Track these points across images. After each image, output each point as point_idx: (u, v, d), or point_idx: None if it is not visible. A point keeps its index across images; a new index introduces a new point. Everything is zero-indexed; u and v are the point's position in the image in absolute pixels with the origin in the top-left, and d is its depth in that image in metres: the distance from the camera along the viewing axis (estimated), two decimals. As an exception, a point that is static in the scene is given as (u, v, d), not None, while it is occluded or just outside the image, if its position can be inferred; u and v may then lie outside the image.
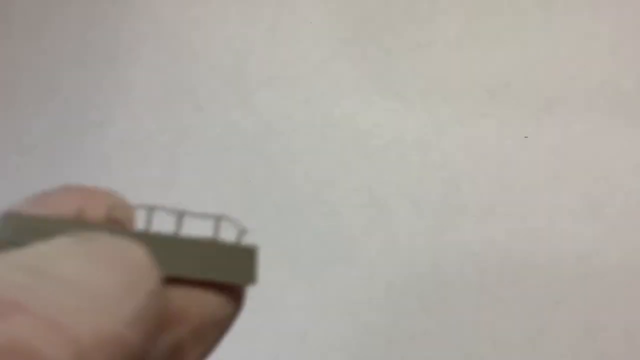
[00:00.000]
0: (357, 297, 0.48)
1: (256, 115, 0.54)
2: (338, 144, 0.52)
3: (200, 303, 0.15)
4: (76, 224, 0.14)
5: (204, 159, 0.53)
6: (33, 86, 0.57)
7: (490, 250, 0.48)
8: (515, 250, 0.48)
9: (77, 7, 0.58)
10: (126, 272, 0.13)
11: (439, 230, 0.49)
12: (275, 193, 0.52)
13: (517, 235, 0.49)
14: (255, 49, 0.56)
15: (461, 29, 0.54)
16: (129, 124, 0.55)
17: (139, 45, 0.57)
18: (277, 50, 0.55)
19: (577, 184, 0.49)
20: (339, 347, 0.48)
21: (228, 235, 0.16)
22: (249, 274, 0.16)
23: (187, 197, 0.52)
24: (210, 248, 0.16)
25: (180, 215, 0.16)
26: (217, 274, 0.16)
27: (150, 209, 0.15)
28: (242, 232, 0.16)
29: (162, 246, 0.15)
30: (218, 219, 0.16)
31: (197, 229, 0.16)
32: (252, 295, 0.18)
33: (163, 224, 0.16)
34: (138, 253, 0.14)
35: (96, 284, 0.12)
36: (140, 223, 0.16)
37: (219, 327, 0.16)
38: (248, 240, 0.16)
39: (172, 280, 0.15)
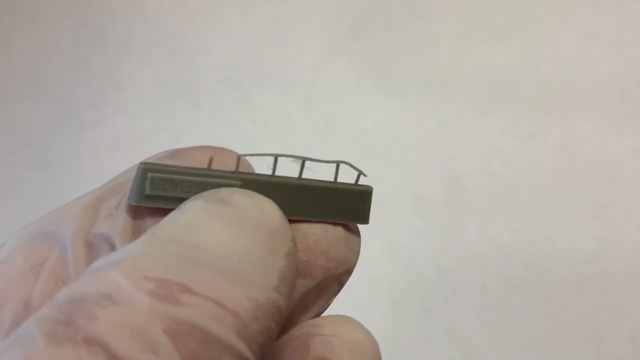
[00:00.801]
0: (359, 299, 0.47)
1: (255, 114, 0.53)
2: (338, 143, 0.51)
3: (325, 258, 0.16)
4: (209, 174, 0.15)
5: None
6: (27, 84, 0.57)
7: (493, 252, 0.48)
8: (519, 251, 0.48)
9: (72, 4, 0.58)
10: (266, 235, 0.14)
11: (442, 231, 0.49)
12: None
13: (521, 236, 0.48)
14: (254, 46, 0.55)
15: (464, 27, 0.53)
16: (125, 123, 0.54)
17: (135, 42, 0.57)
18: (276, 48, 0.55)
19: (582, 184, 0.49)
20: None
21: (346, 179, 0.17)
22: (364, 215, 0.17)
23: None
24: (331, 191, 0.17)
25: (302, 161, 0.16)
26: (336, 216, 0.17)
27: (275, 157, 0.16)
28: (360, 175, 0.17)
29: (287, 190, 0.16)
30: (337, 164, 0.17)
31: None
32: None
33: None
34: (273, 214, 0.14)
35: (243, 253, 0.13)
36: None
37: (339, 282, 0.17)
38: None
39: (293, 222, 0.16)
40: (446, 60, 0.53)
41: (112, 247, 0.15)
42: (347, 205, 0.17)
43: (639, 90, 0.50)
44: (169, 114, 0.54)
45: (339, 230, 0.17)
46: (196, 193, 0.15)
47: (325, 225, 0.17)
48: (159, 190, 0.15)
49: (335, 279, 0.17)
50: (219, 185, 0.15)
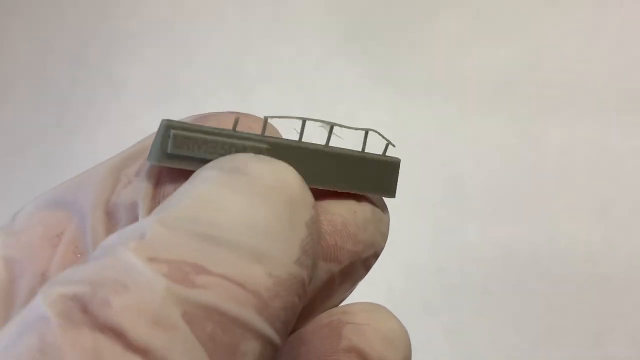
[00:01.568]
0: (358, 299, 0.47)
1: (255, 114, 0.53)
2: (338, 143, 0.51)
3: (352, 241, 0.16)
4: (235, 136, 0.14)
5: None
6: (26, 84, 0.56)
7: (493, 252, 0.48)
8: (520, 251, 0.48)
9: (71, 3, 0.58)
10: (285, 204, 0.13)
11: (442, 231, 0.49)
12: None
13: (521, 236, 0.48)
14: (254, 46, 0.55)
15: (465, 26, 0.53)
16: (124, 123, 0.54)
17: (135, 42, 0.56)
18: (276, 48, 0.55)
19: (582, 184, 0.48)
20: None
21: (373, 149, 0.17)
22: (390, 187, 0.17)
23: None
24: (358, 160, 0.16)
25: (330, 127, 0.16)
26: (363, 186, 0.16)
27: (303, 120, 0.15)
28: (388, 145, 0.17)
29: (314, 156, 0.15)
30: (366, 132, 0.16)
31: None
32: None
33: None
34: (291, 180, 0.13)
35: (261, 226, 0.12)
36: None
37: (365, 266, 0.17)
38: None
39: (319, 194, 0.15)
40: (446, 60, 0.53)
41: (132, 216, 0.15)
42: (374, 176, 0.16)
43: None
44: (169, 114, 0.54)
45: (367, 210, 0.16)
46: (221, 155, 0.14)
47: (353, 205, 0.16)
48: (182, 150, 0.14)
49: (361, 263, 0.16)
50: (244, 148, 0.14)
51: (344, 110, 0.52)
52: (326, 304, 0.16)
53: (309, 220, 0.13)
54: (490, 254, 0.48)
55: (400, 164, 0.17)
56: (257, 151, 0.15)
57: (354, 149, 0.16)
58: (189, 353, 0.11)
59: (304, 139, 0.16)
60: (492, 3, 0.53)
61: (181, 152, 0.14)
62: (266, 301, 0.12)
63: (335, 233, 0.16)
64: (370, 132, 0.17)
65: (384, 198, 0.17)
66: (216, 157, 0.14)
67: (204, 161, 0.14)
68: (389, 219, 0.17)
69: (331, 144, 0.16)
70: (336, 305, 0.17)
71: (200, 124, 0.15)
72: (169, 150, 0.14)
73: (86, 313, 0.11)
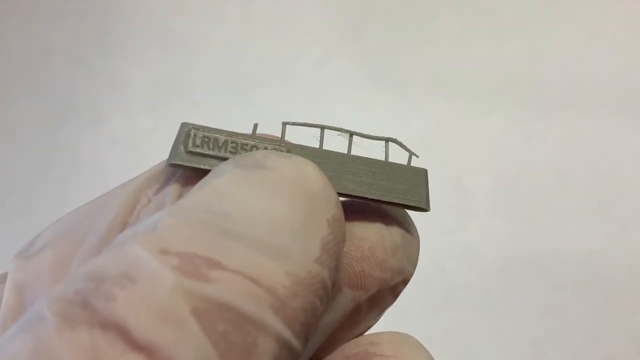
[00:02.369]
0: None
1: (255, 114, 0.53)
2: (339, 142, 0.51)
3: (380, 268, 0.15)
4: (256, 138, 0.14)
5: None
6: (26, 84, 0.56)
7: (494, 252, 0.48)
8: (520, 251, 0.48)
9: (72, 3, 0.58)
10: (305, 200, 0.12)
11: (442, 231, 0.49)
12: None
13: (521, 236, 0.48)
14: (254, 45, 0.55)
15: (466, 25, 0.53)
16: (124, 123, 0.54)
17: (134, 41, 0.56)
18: (276, 47, 0.55)
19: (584, 183, 0.48)
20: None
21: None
22: (421, 197, 0.16)
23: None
24: (384, 167, 0.15)
25: (350, 135, 0.15)
26: (392, 195, 0.15)
27: (322, 128, 0.15)
28: (412, 156, 0.16)
29: (337, 162, 0.15)
30: (386, 141, 0.16)
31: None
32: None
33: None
34: (313, 175, 0.13)
35: (279, 221, 0.11)
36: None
37: (394, 293, 0.16)
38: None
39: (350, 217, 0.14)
40: (447, 60, 0.53)
41: None
42: (402, 185, 0.15)
43: (640, 90, 0.50)
44: (169, 114, 0.54)
45: (396, 235, 0.15)
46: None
47: (382, 229, 0.15)
48: (203, 148, 0.14)
49: (390, 290, 0.15)
50: (265, 149, 0.14)
51: (344, 111, 0.52)
52: (353, 332, 0.16)
53: (331, 218, 0.12)
54: (490, 254, 0.48)
55: (428, 174, 0.16)
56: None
57: (377, 159, 0.15)
58: (198, 352, 0.10)
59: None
60: (493, 3, 0.53)
61: (202, 151, 0.14)
62: (283, 300, 0.11)
63: (363, 259, 0.15)
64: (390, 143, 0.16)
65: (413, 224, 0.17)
66: None
67: (225, 160, 0.14)
68: (419, 244, 0.17)
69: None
70: (362, 333, 0.16)
71: None
72: (189, 149, 0.14)
73: (86, 309, 0.10)
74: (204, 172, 0.14)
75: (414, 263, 0.16)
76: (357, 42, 0.54)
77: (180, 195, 0.14)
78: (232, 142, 0.14)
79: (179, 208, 0.12)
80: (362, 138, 0.16)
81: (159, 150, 0.55)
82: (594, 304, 0.46)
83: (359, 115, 0.52)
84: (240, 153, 0.14)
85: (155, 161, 0.16)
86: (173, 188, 0.14)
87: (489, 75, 0.52)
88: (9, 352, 0.10)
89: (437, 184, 0.50)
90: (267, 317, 0.11)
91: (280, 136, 0.15)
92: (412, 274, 0.16)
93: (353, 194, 0.15)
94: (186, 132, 0.14)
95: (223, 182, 0.12)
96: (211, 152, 0.14)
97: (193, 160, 0.14)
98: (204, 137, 0.14)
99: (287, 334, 0.11)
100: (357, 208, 0.16)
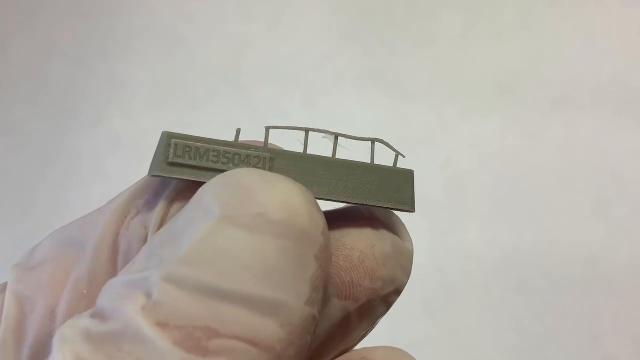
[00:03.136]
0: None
1: (255, 114, 0.53)
2: (338, 142, 0.51)
3: (370, 278, 0.15)
4: (238, 145, 0.14)
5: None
6: (26, 84, 0.56)
7: (494, 252, 0.48)
8: (520, 251, 0.48)
9: (72, 3, 0.58)
10: (295, 240, 0.12)
11: (442, 231, 0.49)
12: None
13: (522, 236, 0.48)
14: (254, 45, 0.55)
15: (465, 25, 0.53)
16: (124, 123, 0.54)
17: (133, 41, 0.56)
18: (276, 47, 0.55)
19: (584, 184, 0.48)
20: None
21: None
22: (407, 199, 0.15)
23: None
24: (368, 170, 0.15)
25: (335, 137, 0.15)
26: (376, 198, 0.15)
27: (307, 131, 0.15)
28: (398, 156, 0.16)
29: (321, 167, 0.15)
30: (373, 142, 0.15)
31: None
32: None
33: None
34: (299, 205, 0.12)
35: (271, 270, 0.12)
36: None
37: (386, 303, 0.16)
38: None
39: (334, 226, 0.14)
40: (446, 60, 0.53)
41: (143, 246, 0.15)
42: (387, 187, 0.15)
43: (640, 90, 0.50)
44: (169, 114, 0.54)
45: (387, 244, 0.15)
46: (223, 163, 0.14)
47: (372, 237, 0.15)
48: (184, 159, 0.14)
49: (381, 300, 0.15)
50: (248, 157, 0.14)
51: (344, 111, 0.52)
52: (344, 343, 0.16)
53: (319, 252, 0.12)
54: (490, 254, 0.48)
55: (414, 175, 0.16)
56: (261, 160, 0.14)
57: (361, 162, 0.15)
58: None
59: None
60: (493, 3, 0.53)
61: (183, 161, 0.14)
62: (279, 353, 0.11)
63: (352, 269, 0.15)
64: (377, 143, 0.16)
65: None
66: (219, 166, 0.14)
67: (207, 170, 0.14)
68: (412, 251, 0.16)
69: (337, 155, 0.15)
70: (355, 342, 0.16)
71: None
72: (170, 159, 0.14)
73: None
74: (192, 182, 0.14)
75: (407, 272, 0.16)
76: (357, 42, 0.54)
77: (166, 215, 0.14)
78: (214, 151, 0.14)
79: (173, 270, 0.12)
80: (348, 139, 0.15)
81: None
82: (594, 304, 0.46)
83: (359, 115, 0.52)
84: (222, 162, 0.14)
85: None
86: (160, 208, 0.14)
87: (489, 75, 0.52)
88: None
89: (437, 184, 0.50)
90: None
91: (264, 141, 0.15)
92: (405, 284, 0.16)
93: (338, 199, 0.15)
94: (166, 142, 0.14)
95: (209, 227, 0.12)
96: (192, 162, 0.14)
97: (174, 172, 0.14)
98: (185, 146, 0.14)
99: None
100: (348, 215, 0.16)
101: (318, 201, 0.13)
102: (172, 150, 0.14)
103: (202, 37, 0.56)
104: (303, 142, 0.15)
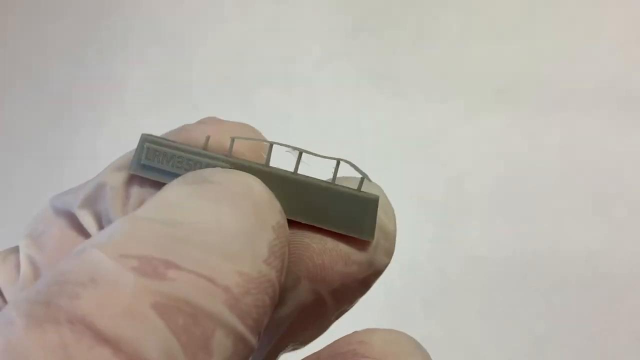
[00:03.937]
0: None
1: (255, 114, 0.53)
2: (339, 143, 0.51)
3: (344, 262, 0.15)
4: (201, 154, 0.15)
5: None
6: (26, 84, 0.56)
7: (494, 252, 0.48)
8: (521, 251, 0.48)
9: (71, 3, 0.58)
10: (250, 209, 0.13)
11: (442, 231, 0.49)
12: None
13: (522, 236, 0.48)
14: (253, 45, 0.55)
15: (465, 26, 0.53)
16: (124, 123, 0.54)
17: (135, 42, 0.56)
18: (277, 48, 0.55)
19: (584, 183, 0.48)
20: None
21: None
22: (365, 228, 0.15)
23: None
24: (328, 192, 0.15)
25: (299, 153, 0.15)
26: (331, 222, 0.15)
27: (270, 145, 0.15)
28: (363, 179, 0.15)
29: (280, 183, 0.15)
30: (338, 162, 0.15)
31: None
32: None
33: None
34: (257, 187, 0.13)
35: (229, 227, 0.12)
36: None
37: (364, 284, 0.16)
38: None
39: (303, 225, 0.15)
40: (446, 60, 0.53)
41: (108, 222, 0.15)
42: (346, 212, 0.15)
43: (640, 90, 0.50)
44: (169, 114, 0.54)
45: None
46: (187, 170, 0.15)
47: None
48: (153, 162, 0.15)
49: (358, 283, 0.15)
50: (208, 165, 0.15)
51: (344, 111, 0.52)
52: (322, 322, 0.16)
53: (276, 225, 0.13)
54: (490, 254, 0.48)
55: (379, 202, 0.15)
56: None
57: (324, 180, 0.15)
58: (162, 344, 0.11)
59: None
60: (493, 3, 0.53)
61: (152, 164, 0.15)
62: (237, 297, 0.12)
63: (324, 252, 0.15)
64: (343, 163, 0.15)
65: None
66: (182, 172, 0.15)
67: (172, 175, 0.15)
68: (395, 231, 0.16)
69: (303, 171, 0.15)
70: (337, 317, 0.16)
71: (176, 136, 0.16)
72: (142, 161, 0.15)
73: (51, 307, 0.11)
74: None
75: (388, 254, 0.16)
76: (357, 42, 0.54)
77: (124, 199, 0.15)
78: (178, 157, 0.15)
79: (135, 217, 0.12)
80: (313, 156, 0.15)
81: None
82: (594, 304, 0.46)
83: (358, 115, 0.52)
84: (185, 168, 0.15)
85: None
86: (119, 193, 0.15)
87: (489, 75, 0.52)
88: None
89: (437, 185, 0.50)
90: (222, 312, 0.11)
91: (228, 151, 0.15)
92: (386, 264, 0.16)
93: (289, 217, 0.15)
94: (141, 145, 0.15)
95: (174, 195, 0.13)
96: (159, 166, 0.15)
97: (145, 172, 0.15)
98: (155, 150, 0.15)
99: (241, 328, 0.12)
100: None
101: None
102: (144, 153, 0.15)
103: (202, 37, 0.56)
104: (295, 155, 0.15)
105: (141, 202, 0.15)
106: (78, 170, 0.54)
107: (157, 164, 0.15)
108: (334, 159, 0.15)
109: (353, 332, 0.16)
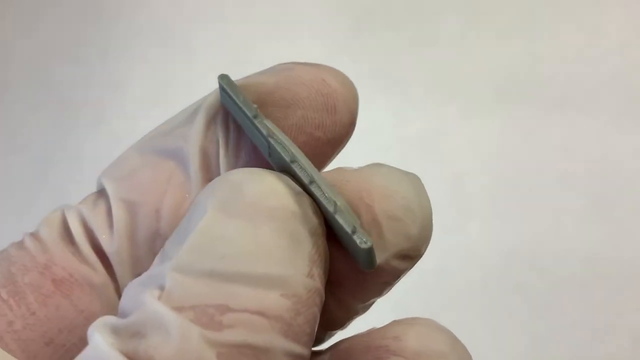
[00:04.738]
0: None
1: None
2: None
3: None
4: (249, 118, 0.16)
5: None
6: (25, 84, 0.56)
7: (494, 252, 0.48)
8: (520, 251, 0.48)
9: (72, 3, 0.58)
10: (286, 221, 0.13)
11: (442, 231, 0.49)
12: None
13: (522, 236, 0.48)
14: (254, 45, 0.55)
15: (466, 25, 0.53)
16: (125, 123, 0.54)
17: (134, 42, 0.56)
18: (276, 47, 0.55)
19: (584, 184, 0.48)
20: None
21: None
22: (364, 264, 0.15)
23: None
24: (331, 217, 0.14)
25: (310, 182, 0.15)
26: (340, 237, 0.15)
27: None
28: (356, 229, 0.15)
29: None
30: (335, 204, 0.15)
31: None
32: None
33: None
34: (285, 194, 0.14)
35: (268, 249, 0.13)
36: None
37: (384, 279, 0.17)
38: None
39: None
40: (447, 60, 0.53)
41: (214, 161, 0.16)
42: (347, 240, 0.14)
43: (640, 90, 0.50)
44: (169, 114, 0.54)
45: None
46: (240, 118, 0.16)
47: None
48: (225, 100, 0.17)
49: (377, 278, 0.16)
50: (253, 134, 0.15)
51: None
52: (360, 295, 0.17)
53: (311, 230, 0.13)
54: (491, 254, 0.48)
55: (373, 249, 0.14)
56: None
57: (332, 198, 0.14)
58: None
59: None
60: (493, 3, 0.53)
61: (225, 103, 0.17)
62: (289, 322, 0.12)
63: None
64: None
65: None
66: (238, 117, 0.16)
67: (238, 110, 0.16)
68: (417, 235, 0.17)
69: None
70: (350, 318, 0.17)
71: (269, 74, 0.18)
72: (230, 86, 0.17)
73: None
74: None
75: (406, 257, 0.17)
76: (357, 42, 0.54)
77: (204, 141, 0.17)
78: (236, 105, 0.16)
79: (179, 262, 0.13)
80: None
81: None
82: (594, 304, 0.46)
83: (359, 115, 0.52)
84: (240, 115, 0.16)
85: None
86: (223, 134, 0.16)
87: (489, 75, 0.52)
88: None
89: (437, 184, 0.50)
90: (279, 342, 0.12)
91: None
92: (405, 269, 0.17)
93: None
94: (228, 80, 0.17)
95: (207, 220, 0.13)
96: (229, 105, 0.17)
97: (225, 105, 0.17)
98: (223, 89, 0.17)
99: (297, 349, 0.13)
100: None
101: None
102: (220, 88, 0.17)
103: (202, 37, 0.56)
104: None
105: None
106: (78, 170, 0.54)
107: (227, 101, 0.16)
108: (333, 202, 0.14)
109: (392, 322, 0.17)
